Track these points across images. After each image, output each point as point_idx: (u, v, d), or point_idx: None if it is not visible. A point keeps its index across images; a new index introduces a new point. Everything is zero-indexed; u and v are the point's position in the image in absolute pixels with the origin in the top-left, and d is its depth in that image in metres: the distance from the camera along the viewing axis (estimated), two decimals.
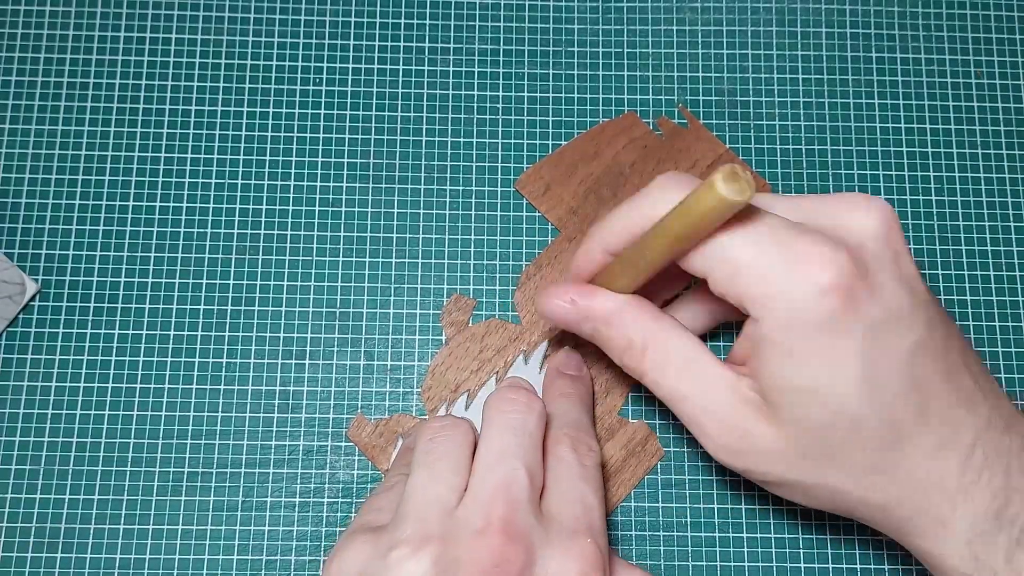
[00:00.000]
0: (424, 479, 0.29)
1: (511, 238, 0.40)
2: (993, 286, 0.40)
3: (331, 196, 0.40)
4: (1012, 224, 0.40)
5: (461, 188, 0.40)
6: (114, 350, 0.38)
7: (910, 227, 0.40)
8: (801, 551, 0.37)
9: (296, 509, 0.37)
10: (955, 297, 0.40)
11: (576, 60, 0.42)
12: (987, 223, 0.40)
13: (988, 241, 0.40)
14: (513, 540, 0.27)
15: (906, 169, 0.41)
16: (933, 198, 0.41)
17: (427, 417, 0.38)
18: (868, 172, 0.41)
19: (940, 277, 0.40)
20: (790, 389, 0.29)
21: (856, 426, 0.28)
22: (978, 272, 0.40)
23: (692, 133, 0.41)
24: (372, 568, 0.28)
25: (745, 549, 0.37)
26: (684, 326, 0.32)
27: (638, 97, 0.41)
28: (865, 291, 0.27)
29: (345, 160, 0.40)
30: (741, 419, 0.30)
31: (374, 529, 0.29)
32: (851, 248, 0.28)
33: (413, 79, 0.41)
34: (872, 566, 0.37)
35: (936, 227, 0.40)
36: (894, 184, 0.41)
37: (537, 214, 0.40)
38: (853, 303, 0.27)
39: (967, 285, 0.40)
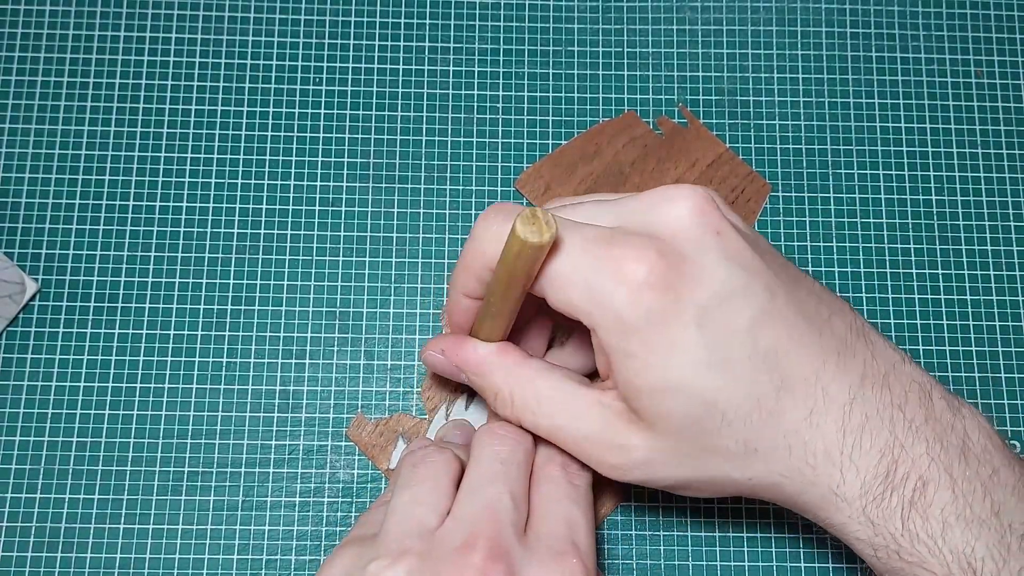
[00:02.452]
0: (406, 499, 0.30)
1: None
2: (993, 286, 0.40)
3: (331, 196, 0.40)
4: (1012, 224, 0.40)
5: (461, 188, 0.40)
6: (114, 350, 0.38)
7: (910, 227, 0.40)
8: (801, 551, 0.37)
9: (296, 509, 0.37)
10: (955, 297, 0.40)
11: (576, 60, 0.42)
12: (987, 223, 0.40)
13: (988, 241, 0.40)
14: (495, 559, 0.27)
15: (906, 169, 0.41)
16: (933, 198, 0.41)
17: (427, 417, 0.38)
18: (868, 172, 0.41)
19: (940, 277, 0.40)
20: (641, 391, 0.29)
21: (717, 411, 0.28)
22: (978, 272, 0.40)
23: (692, 132, 0.41)
24: None
25: (745, 549, 0.37)
26: (551, 364, 0.32)
27: (638, 97, 0.41)
28: (682, 278, 0.28)
29: (345, 160, 0.40)
30: (615, 434, 0.30)
31: (361, 541, 0.29)
32: (663, 239, 0.28)
33: (413, 79, 0.41)
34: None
35: (936, 227, 0.40)
36: (894, 184, 0.41)
37: None
38: (672, 292, 0.27)
39: (967, 285, 0.40)
